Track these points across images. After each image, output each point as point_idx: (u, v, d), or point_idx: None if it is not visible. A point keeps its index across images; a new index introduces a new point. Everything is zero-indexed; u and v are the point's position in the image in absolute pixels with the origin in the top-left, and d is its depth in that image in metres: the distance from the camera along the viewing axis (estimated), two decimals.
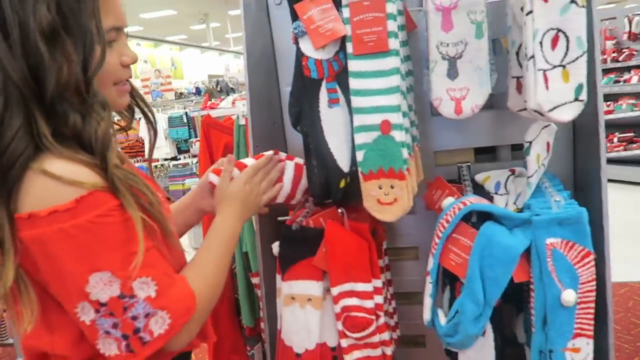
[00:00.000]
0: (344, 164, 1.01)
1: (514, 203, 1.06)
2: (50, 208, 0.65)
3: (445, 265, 0.98)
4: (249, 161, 1.03)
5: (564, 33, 0.86)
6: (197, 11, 13.16)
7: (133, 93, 0.86)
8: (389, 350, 1.13)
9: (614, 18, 6.40)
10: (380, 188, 0.97)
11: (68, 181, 0.65)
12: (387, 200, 0.98)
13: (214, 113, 1.66)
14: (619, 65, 6.13)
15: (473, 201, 0.97)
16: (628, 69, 6.06)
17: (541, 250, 0.92)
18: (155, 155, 7.23)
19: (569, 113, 0.88)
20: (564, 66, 0.87)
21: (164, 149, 7.13)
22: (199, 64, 16.13)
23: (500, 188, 1.09)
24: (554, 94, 0.87)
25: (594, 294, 0.93)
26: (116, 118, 0.88)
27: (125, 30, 0.81)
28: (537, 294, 0.93)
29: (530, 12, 0.86)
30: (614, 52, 6.23)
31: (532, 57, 0.87)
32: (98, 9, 0.71)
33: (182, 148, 7.27)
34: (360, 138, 0.98)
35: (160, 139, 7.07)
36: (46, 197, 0.65)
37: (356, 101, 0.97)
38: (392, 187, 0.97)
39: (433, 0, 0.93)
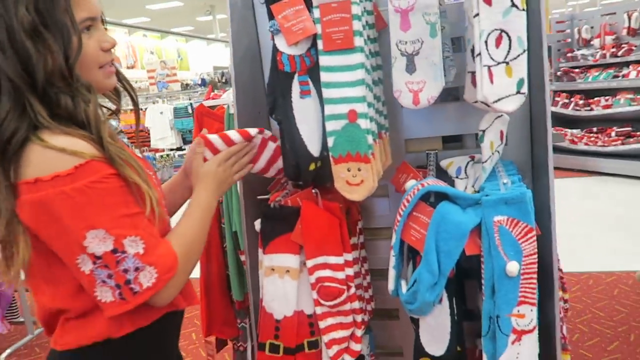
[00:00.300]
0: (314, 149, 1.12)
1: (472, 186, 1.17)
2: (53, 174, 0.76)
3: (406, 240, 1.10)
4: (233, 134, 1.12)
5: (506, 33, 0.97)
6: (203, 3, 13.27)
7: (119, 76, 0.96)
8: (359, 318, 1.25)
9: (614, 13, 6.43)
10: (348, 170, 1.09)
11: (69, 151, 0.76)
12: (354, 182, 1.09)
13: (208, 103, 1.77)
14: (618, 60, 6.17)
15: (431, 183, 1.08)
16: (627, 64, 6.10)
17: (489, 227, 1.03)
18: (160, 146, 7.38)
19: (512, 104, 0.99)
20: (507, 62, 0.98)
21: (169, 139, 7.27)
22: (204, 55, 16.23)
23: (461, 173, 1.21)
24: (498, 88, 0.98)
25: (535, 266, 1.04)
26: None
27: (104, 18, 0.92)
28: (486, 265, 1.05)
29: (477, 14, 0.97)
30: (613, 47, 6.28)
31: (479, 54, 0.98)
32: (70, 4, 0.81)
33: (187, 138, 7.41)
34: (330, 125, 1.09)
35: (165, 130, 7.21)
36: (49, 165, 0.76)
37: (326, 92, 1.08)
38: (359, 169, 1.08)
39: (392, 2, 1.04)
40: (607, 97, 6.07)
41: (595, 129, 6.15)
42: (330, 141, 1.09)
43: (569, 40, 6.93)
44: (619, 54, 6.14)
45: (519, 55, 0.98)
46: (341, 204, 1.21)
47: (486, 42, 0.97)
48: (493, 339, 1.05)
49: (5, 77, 0.78)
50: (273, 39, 1.12)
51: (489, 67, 0.98)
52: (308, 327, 1.25)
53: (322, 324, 1.22)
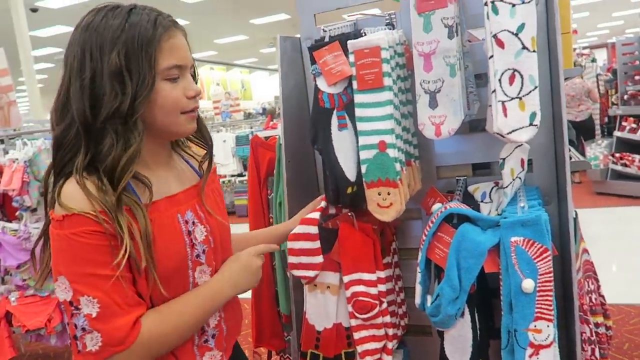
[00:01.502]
0: (351, 175, 1.27)
1: (496, 209, 1.27)
2: (54, 215, 0.85)
3: (431, 258, 1.21)
4: (315, 215, 1.31)
5: (519, 72, 1.09)
6: (267, 36, 13.95)
7: (199, 121, 1.01)
8: (390, 331, 1.35)
9: None
10: (379, 194, 1.22)
11: (63, 199, 0.84)
12: (384, 204, 1.22)
13: (262, 133, 1.97)
14: None
15: (454, 206, 1.19)
16: None
17: (507, 246, 1.12)
18: (222, 172, 7.79)
19: (525, 135, 1.09)
20: (520, 98, 1.09)
21: (230, 166, 7.66)
22: (267, 85, 16.90)
23: (486, 197, 1.31)
24: (511, 120, 1.09)
25: (551, 284, 1.11)
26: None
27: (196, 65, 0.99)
28: (504, 283, 1.14)
29: (492, 56, 1.09)
30: None
31: (494, 91, 1.10)
32: (156, 52, 0.88)
33: (247, 165, 7.78)
34: (364, 154, 1.23)
35: (227, 157, 7.61)
36: (56, 207, 0.86)
37: (360, 126, 1.23)
38: (388, 193, 1.22)
39: (417, 47, 1.18)
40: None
41: None
42: (364, 168, 1.24)
43: (637, 62, 6.69)
44: None
45: (530, 92, 1.09)
46: (375, 226, 1.34)
47: (500, 80, 1.09)
48: (512, 352, 1.12)
49: (74, 116, 0.87)
50: (315, 80, 1.29)
51: (502, 102, 1.09)
52: (345, 339, 1.38)
53: (357, 336, 1.34)
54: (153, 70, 0.88)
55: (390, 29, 1.35)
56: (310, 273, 1.32)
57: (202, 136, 1.06)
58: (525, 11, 1.09)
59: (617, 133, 6.45)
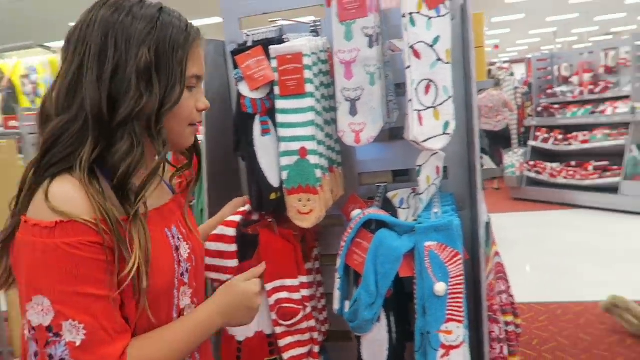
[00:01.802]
0: (274, 181, 1.26)
1: (412, 215, 1.31)
2: (38, 220, 0.71)
3: (349, 264, 1.22)
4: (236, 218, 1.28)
5: (434, 83, 1.13)
6: None
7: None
8: (315, 335, 1.36)
9: (592, 52, 6.73)
10: (299, 201, 1.23)
11: (56, 205, 0.70)
12: (305, 211, 1.23)
13: None
14: (595, 97, 6.43)
15: (372, 212, 1.22)
16: (604, 100, 6.36)
17: (421, 251, 1.16)
18: None
19: (439, 143, 1.14)
20: (435, 107, 1.14)
21: None
22: None
23: (404, 203, 1.35)
24: (427, 129, 1.13)
25: (462, 286, 1.16)
26: None
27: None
28: (419, 286, 1.17)
29: (409, 66, 1.13)
30: (590, 84, 6.55)
31: (410, 100, 1.13)
32: (187, 58, 0.82)
33: None
34: (285, 161, 1.23)
35: None
36: (41, 210, 0.71)
37: (281, 132, 1.23)
38: (308, 200, 1.22)
39: (338, 55, 1.20)
40: (584, 133, 6.30)
41: (573, 163, 6.35)
42: (285, 174, 1.23)
43: (550, 77, 7.22)
44: (596, 91, 6.41)
45: (444, 101, 1.13)
46: (296, 232, 1.33)
47: (416, 89, 1.13)
48: (424, 354, 1.16)
49: (84, 108, 0.75)
50: (237, 85, 1.27)
51: (418, 111, 1.13)
52: (267, 347, 1.36)
53: (282, 343, 1.33)
54: (184, 76, 0.82)
55: (314, 36, 1.36)
56: (223, 277, 1.29)
57: (195, 147, 0.97)
58: (440, 24, 1.13)
59: (531, 142, 6.93)
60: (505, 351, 1.52)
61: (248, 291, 0.92)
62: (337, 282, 1.24)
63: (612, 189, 5.72)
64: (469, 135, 1.32)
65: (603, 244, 4.59)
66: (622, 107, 5.95)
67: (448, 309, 1.15)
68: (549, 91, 7.05)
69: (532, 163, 6.78)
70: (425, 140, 1.13)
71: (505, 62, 9.57)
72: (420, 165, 1.24)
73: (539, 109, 7.02)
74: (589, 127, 6.31)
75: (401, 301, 1.28)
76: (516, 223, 5.74)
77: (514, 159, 7.01)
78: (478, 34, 1.38)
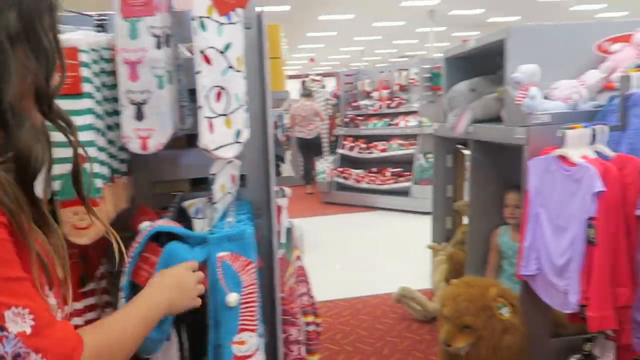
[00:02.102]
0: (39, 191, 1.09)
1: (208, 225, 1.27)
2: None
3: (136, 281, 1.13)
4: None
5: (225, 90, 1.11)
6: None
7: None
8: None
9: (390, 71, 7.58)
10: (75, 214, 1.09)
11: None
12: (82, 225, 1.09)
13: None
14: (391, 111, 7.26)
15: (162, 224, 1.15)
16: (398, 114, 7.22)
17: (213, 262, 1.13)
18: None
19: (231, 152, 1.12)
20: (226, 115, 1.12)
21: None
22: None
23: (199, 213, 1.30)
24: (218, 137, 1.10)
25: (254, 295, 1.16)
26: None
27: None
28: (211, 299, 1.14)
29: (199, 71, 1.09)
30: (388, 99, 7.36)
31: (201, 107, 1.09)
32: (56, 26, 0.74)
33: None
34: (58, 169, 1.08)
35: None
36: None
37: (54, 136, 1.07)
38: (86, 213, 1.09)
39: (121, 54, 1.10)
40: (383, 142, 7.07)
41: (374, 170, 7.08)
42: (57, 185, 1.08)
43: (355, 91, 7.92)
44: (392, 105, 7.24)
45: (236, 109, 1.12)
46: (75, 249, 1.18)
47: (207, 96, 1.10)
48: None
49: None
50: None
51: (209, 118, 1.10)
52: None
53: None
54: (60, 44, 0.76)
55: (99, 31, 1.24)
56: None
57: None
58: (232, 31, 1.12)
59: (339, 150, 7.51)
60: (303, 352, 1.58)
61: (181, 271, 0.99)
62: (121, 302, 1.13)
63: (405, 193, 6.52)
64: (265, 144, 1.33)
65: (397, 241, 5.20)
66: (412, 121, 6.83)
67: (241, 319, 1.14)
68: (354, 104, 7.73)
69: (340, 169, 7.34)
70: (216, 149, 1.10)
71: (318, 74, 10.21)
72: (214, 174, 1.21)
73: (346, 119, 7.65)
74: (387, 138, 7.10)
75: (195, 316, 1.23)
76: (326, 225, 6.14)
77: (325, 165, 7.51)
78: (275, 45, 1.42)
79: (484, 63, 2.96)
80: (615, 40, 2.38)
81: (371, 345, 2.96)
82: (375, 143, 7.14)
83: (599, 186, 1.78)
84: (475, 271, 2.94)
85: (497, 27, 2.37)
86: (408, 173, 6.64)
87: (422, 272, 3.82)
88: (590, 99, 2.28)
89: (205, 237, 1.14)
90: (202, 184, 1.48)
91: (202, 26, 1.10)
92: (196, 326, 1.25)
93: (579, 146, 1.95)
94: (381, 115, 7.40)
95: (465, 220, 3.18)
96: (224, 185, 1.24)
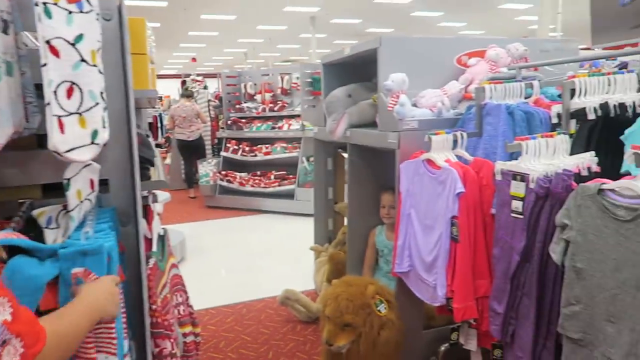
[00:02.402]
0: None
1: (63, 236, 1.14)
2: None
3: None
4: None
5: (78, 86, 1.00)
6: None
7: None
8: None
9: (272, 75, 7.59)
10: None
11: None
12: None
13: None
14: (275, 114, 7.28)
15: (1, 237, 1.00)
16: (282, 117, 7.26)
17: (67, 279, 1.01)
18: None
19: (87, 154, 1.01)
20: (80, 114, 1.00)
21: None
22: None
23: (52, 222, 1.16)
24: (70, 137, 0.99)
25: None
26: None
27: None
28: None
29: (45, 64, 0.97)
30: (271, 102, 7.37)
31: (49, 103, 0.97)
32: None
33: None
34: None
35: None
36: None
37: None
38: None
39: None
40: (267, 145, 7.05)
41: (259, 173, 7.03)
42: None
43: (238, 93, 7.81)
44: (276, 109, 7.27)
45: (91, 108, 1.02)
46: None
47: (55, 92, 0.98)
48: None
49: None
50: None
51: (59, 117, 0.98)
52: None
53: None
54: None
55: None
56: None
57: None
58: (84, 21, 1.01)
59: (223, 153, 7.35)
60: None
61: (109, 280, 1.02)
62: None
63: (290, 195, 6.57)
64: (129, 145, 1.23)
65: (282, 244, 5.21)
66: (295, 124, 6.91)
67: (97, 342, 1.03)
68: (238, 106, 7.62)
69: (224, 172, 7.18)
70: (68, 151, 0.99)
71: (199, 75, 9.90)
72: (69, 179, 1.09)
73: (229, 122, 7.51)
74: (271, 141, 7.11)
75: None
76: (211, 230, 5.96)
77: (207, 168, 7.29)
78: (139, 40, 1.32)
79: (360, 70, 3.08)
80: (471, 55, 2.62)
81: (255, 351, 2.91)
82: (260, 146, 7.10)
83: (460, 187, 1.93)
84: (356, 271, 3.05)
85: (374, 37, 2.48)
86: (292, 176, 6.70)
87: (306, 273, 3.87)
88: (452, 107, 2.48)
89: (56, 250, 1.02)
90: (57, 189, 1.33)
91: (47, 13, 0.97)
92: None
93: (443, 150, 2.11)
94: (265, 118, 7.39)
95: (347, 221, 3.28)
96: (80, 191, 1.12)
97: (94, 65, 1.02)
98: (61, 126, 0.98)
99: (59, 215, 1.17)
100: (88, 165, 1.12)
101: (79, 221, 1.13)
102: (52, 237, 1.14)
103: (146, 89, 1.36)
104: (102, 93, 1.04)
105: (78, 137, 1.00)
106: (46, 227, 1.15)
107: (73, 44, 0.98)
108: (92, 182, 1.15)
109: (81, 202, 1.12)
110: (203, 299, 2.89)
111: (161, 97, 12.51)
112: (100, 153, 1.12)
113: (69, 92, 0.99)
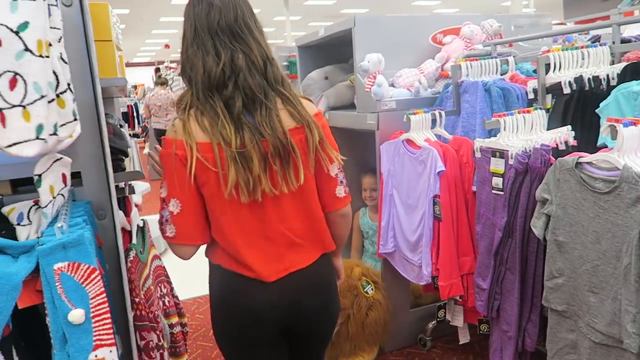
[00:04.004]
0: None
1: (36, 232, 1.10)
2: None
3: None
4: None
5: (21, 77, 0.94)
6: None
7: None
8: None
9: None
10: None
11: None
12: None
13: None
14: None
15: None
16: None
17: (50, 276, 0.97)
18: None
19: (31, 150, 0.94)
20: (24, 107, 0.95)
21: None
22: None
23: (24, 219, 1.12)
24: (13, 132, 0.93)
25: (106, 305, 1.03)
26: None
27: None
28: (52, 316, 0.99)
29: None
30: None
31: None
32: None
33: None
34: None
35: None
36: None
37: None
38: None
39: None
40: None
41: None
42: None
43: None
44: None
45: (36, 101, 0.95)
46: None
47: None
48: None
49: None
50: None
51: (0, 109, 0.93)
52: None
53: None
54: None
55: None
56: None
57: None
58: (30, 8, 0.95)
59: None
60: (166, 356, 1.47)
61: None
62: None
63: None
64: (100, 136, 1.19)
65: None
66: None
67: (95, 334, 1.01)
68: None
69: None
70: (10, 146, 0.93)
71: (173, 62, 9.72)
72: (39, 175, 1.05)
73: None
74: None
75: (34, 336, 1.06)
76: None
77: None
78: (103, 26, 1.27)
79: (336, 52, 3.05)
80: (446, 32, 2.61)
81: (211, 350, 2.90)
82: None
83: (441, 166, 1.94)
84: (343, 253, 3.05)
85: (348, 17, 2.45)
86: None
87: None
88: (430, 86, 2.48)
89: (32, 245, 0.98)
90: (28, 184, 1.28)
91: None
92: (37, 348, 1.09)
93: (422, 130, 2.11)
94: None
95: None
96: (52, 186, 1.07)
97: (40, 56, 0.96)
98: (3, 120, 0.92)
99: (30, 211, 1.12)
100: (59, 159, 1.08)
101: (52, 217, 1.09)
102: (24, 234, 1.10)
103: (114, 77, 1.31)
104: (48, 85, 0.98)
105: (22, 131, 0.93)
106: (18, 224, 1.11)
107: (16, 32, 0.93)
108: (64, 176, 1.11)
109: (54, 197, 1.08)
110: (190, 287, 2.84)
111: (135, 85, 12.27)
112: (70, 146, 1.08)
113: (12, 84, 0.93)
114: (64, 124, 1.03)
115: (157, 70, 8.91)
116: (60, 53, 1.01)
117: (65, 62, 1.00)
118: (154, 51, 22.47)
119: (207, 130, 1.14)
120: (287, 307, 1.24)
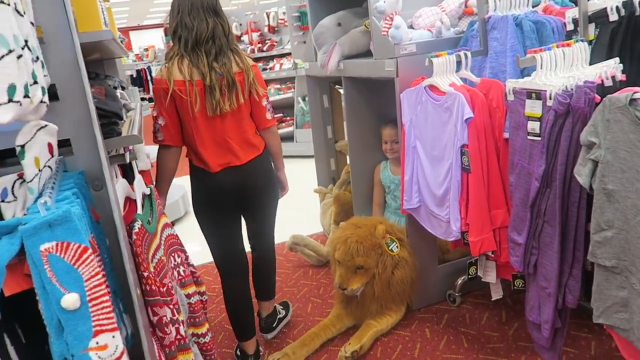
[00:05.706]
0: None
1: (22, 209, 1.00)
2: None
3: None
4: None
5: None
6: None
7: None
8: None
9: (256, 13, 7.17)
10: None
11: None
12: None
13: None
14: (264, 54, 6.95)
15: None
16: (272, 57, 6.94)
17: (37, 258, 0.87)
18: None
19: (5, 115, 0.82)
20: None
21: None
22: None
23: (8, 195, 1.01)
24: None
25: (103, 287, 0.94)
26: None
27: None
28: (44, 302, 0.89)
29: None
30: (259, 42, 7.02)
31: None
32: None
33: None
34: None
35: None
36: None
37: None
38: None
39: None
40: None
41: None
42: None
43: None
44: (265, 48, 6.92)
45: (3, 56, 0.81)
46: None
47: None
48: None
49: None
50: None
51: None
52: None
53: None
54: None
55: None
56: None
57: None
58: None
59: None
60: (183, 330, 1.40)
61: None
62: None
63: (289, 138, 6.39)
64: (84, 97, 1.06)
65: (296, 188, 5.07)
66: (287, 63, 6.61)
67: (94, 320, 0.91)
68: None
69: None
70: None
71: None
72: (22, 145, 0.93)
73: None
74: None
75: (26, 323, 0.98)
76: None
77: None
78: None
79: None
80: None
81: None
82: None
83: (468, 112, 1.76)
84: (363, 210, 2.94)
85: None
86: (289, 118, 6.49)
87: (312, 217, 3.78)
88: (452, 25, 2.26)
89: (14, 224, 0.88)
90: (12, 157, 1.17)
91: None
92: (32, 336, 1.01)
93: (446, 74, 1.92)
94: (254, 60, 7.05)
95: (349, 160, 3.13)
96: (37, 158, 0.96)
97: (8, 5, 0.81)
98: None
99: (14, 186, 1.02)
100: (43, 126, 0.96)
101: (38, 191, 0.98)
102: (10, 211, 1.00)
103: (97, 31, 1.16)
104: (20, 37, 0.84)
105: None
106: (2, 201, 1.01)
107: None
108: (50, 146, 0.99)
109: (40, 170, 0.97)
110: (208, 253, 2.80)
111: (147, 48, 12.04)
112: (56, 111, 0.96)
113: None
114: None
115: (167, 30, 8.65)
116: (15, 4, 0.86)
117: (21, 14, 0.85)
118: (164, 12, 22.00)
119: (184, 72, 1.82)
120: (231, 185, 1.98)
